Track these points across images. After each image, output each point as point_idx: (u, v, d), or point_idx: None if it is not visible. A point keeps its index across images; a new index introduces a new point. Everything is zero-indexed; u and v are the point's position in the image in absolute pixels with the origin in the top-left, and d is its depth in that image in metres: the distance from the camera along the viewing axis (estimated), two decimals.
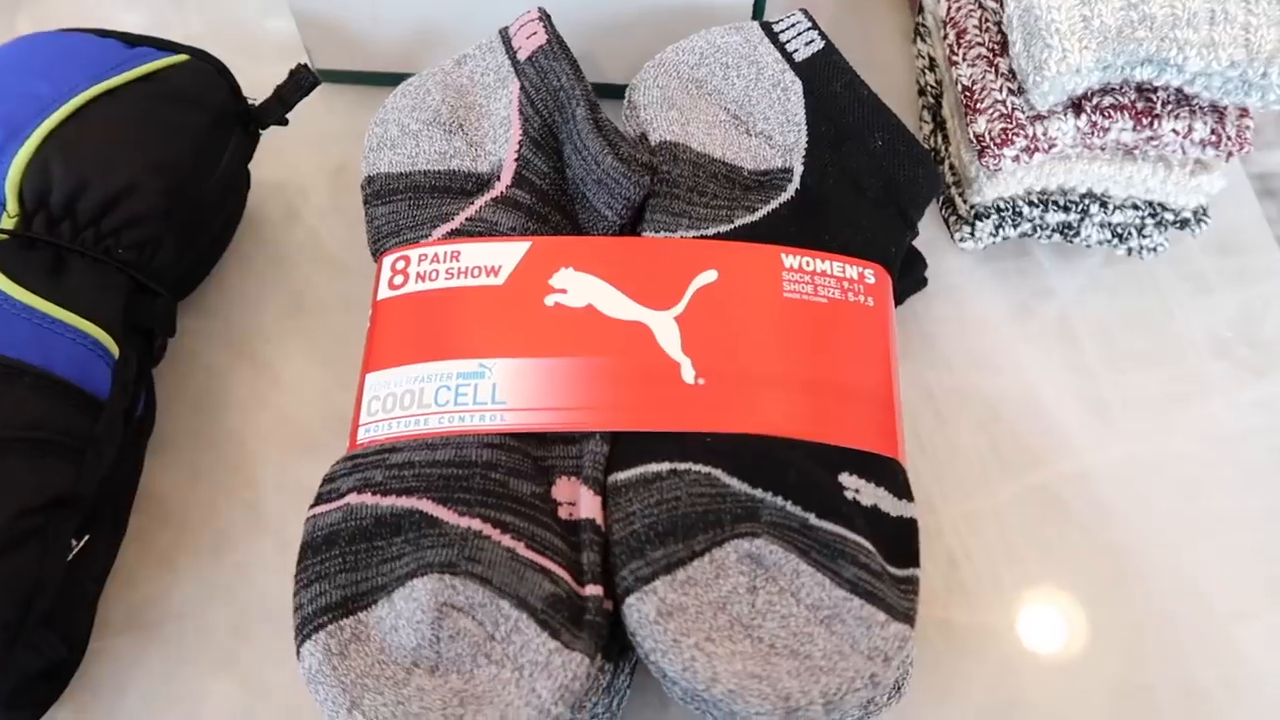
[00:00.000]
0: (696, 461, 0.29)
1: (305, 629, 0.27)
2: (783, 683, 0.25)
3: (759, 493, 0.28)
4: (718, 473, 0.29)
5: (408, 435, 0.30)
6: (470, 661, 0.26)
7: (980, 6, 0.38)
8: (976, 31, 0.37)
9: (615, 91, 0.39)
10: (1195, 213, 0.39)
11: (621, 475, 0.29)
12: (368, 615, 0.27)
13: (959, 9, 0.38)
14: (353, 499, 0.29)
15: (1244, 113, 0.36)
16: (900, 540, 0.29)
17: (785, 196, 0.34)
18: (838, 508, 0.29)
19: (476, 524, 0.27)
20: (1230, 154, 0.36)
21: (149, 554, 0.34)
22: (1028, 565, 0.35)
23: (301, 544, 0.29)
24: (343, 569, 0.27)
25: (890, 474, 0.30)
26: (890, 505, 0.30)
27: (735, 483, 0.29)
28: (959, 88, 0.37)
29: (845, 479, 0.29)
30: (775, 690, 0.25)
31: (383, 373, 0.31)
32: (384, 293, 0.32)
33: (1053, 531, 0.35)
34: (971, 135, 0.36)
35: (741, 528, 0.28)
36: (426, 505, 0.28)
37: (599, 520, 0.29)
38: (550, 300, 0.31)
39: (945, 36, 0.39)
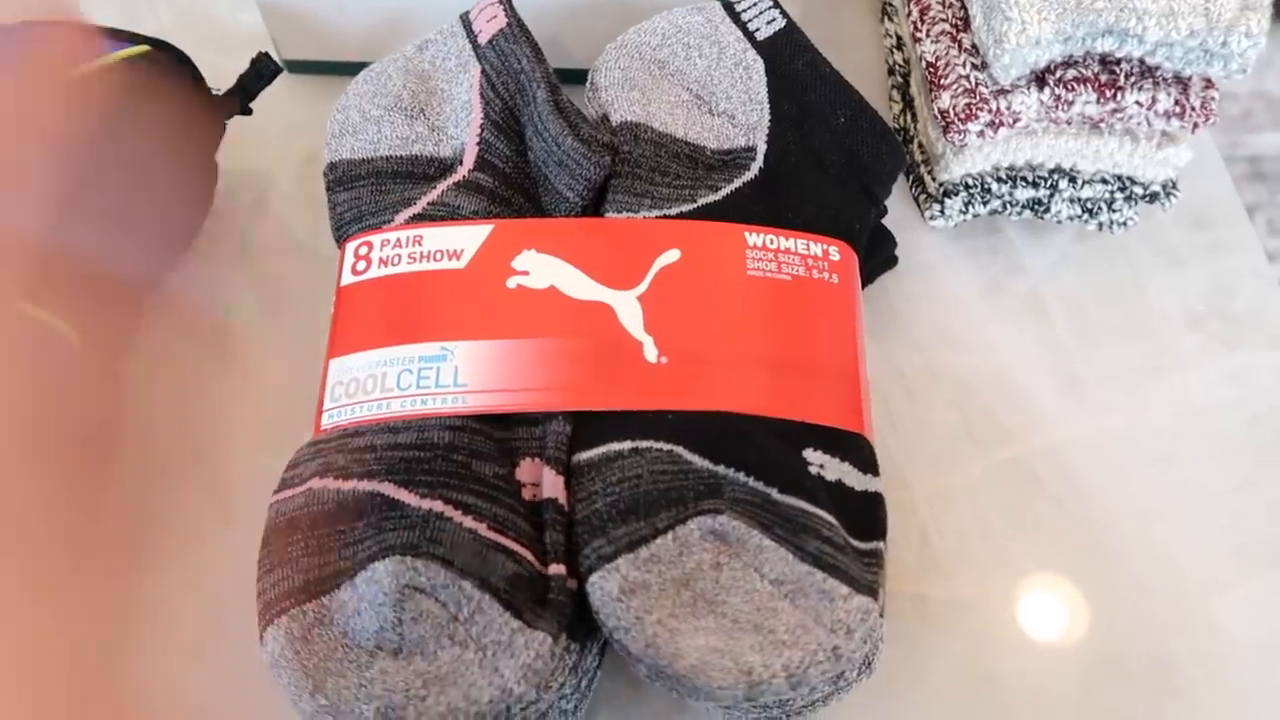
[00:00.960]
0: (658, 439, 0.29)
1: (268, 614, 0.27)
2: (745, 657, 0.25)
3: (721, 469, 0.28)
4: (680, 450, 0.29)
5: (370, 420, 0.30)
6: (434, 643, 0.26)
7: None
8: (940, 7, 0.37)
9: (579, 76, 0.39)
10: (1164, 186, 0.39)
11: (584, 455, 0.29)
12: (330, 599, 0.27)
13: None
14: (314, 483, 0.28)
15: (1208, 84, 0.36)
16: (864, 514, 0.29)
17: (749, 175, 0.34)
18: (800, 482, 0.29)
19: (438, 506, 0.27)
20: (1196, 125, 0.36)
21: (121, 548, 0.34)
22: (1000, 540, 0.35)
23: (265, 530, 0.29)
24: (305, 553, 0.27)
25: (855, 449, 0.30)
26: (855, 480, 0.30)
27: (697, 459, 0.29)
28: (924, 64, 0.37)
29: (809, 454, 0.29)
30: (738, 665, 0.25)
31: (346, 358, 0.31)
32: (347, 278, 0.32)
33: (1025, 506, 0.35)
34: (936, 111, 0.36)
35: (705, 504, 0.27)
36: (388, 488, 0.28)
37: (562, 500, 0.28)
38: (513, 282, 0.31)
39: (910, 14, 0.39)
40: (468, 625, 0.26)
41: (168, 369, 0.38)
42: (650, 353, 0.30)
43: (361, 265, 0.32)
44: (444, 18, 0.38)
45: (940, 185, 0.39)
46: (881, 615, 0.29)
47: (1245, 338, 0.39)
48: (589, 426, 0.29)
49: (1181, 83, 0.35)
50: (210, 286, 0.39)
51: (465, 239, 0.31)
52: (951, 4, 0.37)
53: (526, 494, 0.29)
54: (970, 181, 0.39)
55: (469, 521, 0.27)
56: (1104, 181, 0.39)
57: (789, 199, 0.33)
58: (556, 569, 0.27)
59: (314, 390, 0.36)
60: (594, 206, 0.33)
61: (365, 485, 0.28)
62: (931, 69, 0.37)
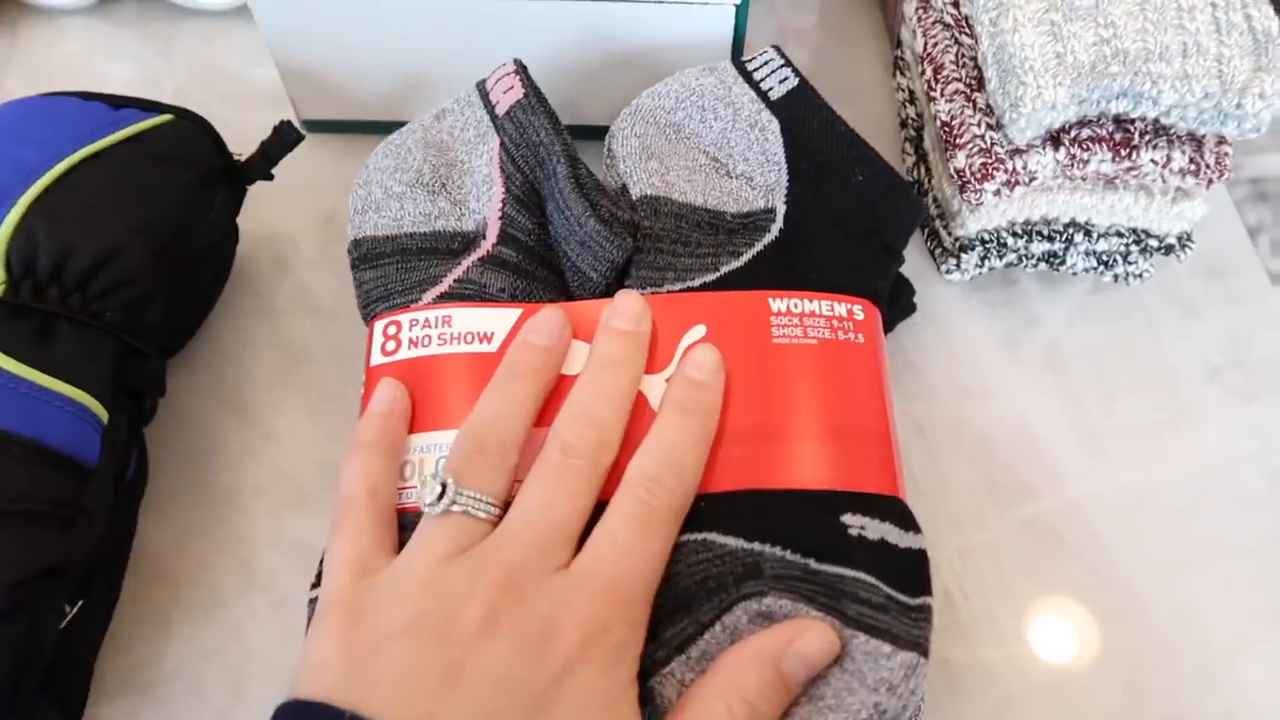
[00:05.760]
0: (691, 531, 0.29)
1: None
2: None
3: (757, 545, 0.28)
4: (712, 536, 0.28)
5: (411, 507, 0.30)
6: None
7: (956, 42, 0.38)
8: (953, 67, 0.37)
9: (596, 133, 0.39)
10: (1179, 238, 0.39)
11: None
12: None
13: (935, 45, 0.38)
14: None
15: (1222, 140, 0.36)
16: (909, 570, 0.29)
17: (769, 238, 0.34)
18: (836, 548, 0.28)
19: None
20: (1210, 181, 0.36)
21: (143, 614, 0.34)
22: (1023, 600, 0.35)
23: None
24: None
25: (892, 510, 0.30)
26: (897, 537, 0.29)
27: (731, 540, 0.28)
28: (938, 123, 0.37)
29: (848, 519, 0.29)
30: None
31: None
32: (377, 359, 0.32)
33: (1047, 565, 0.35)
34: (952, 170, 0.37)
35: (746, 588, 0.27)
36: None
37: None
38: None
39: (923, 72, 0.39)
40: None
41: (190, 432, 0.38)
42: None
43: (391, 345, 0.32)
44: (459, 77, 0.38)
45: (956, 240, 0.39)
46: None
47: (1264, 389, 0.39)
48: None
49: (1196, 140, 0.35)
50: (232, 347, 0.40)
51: (495, 322, 0.31)
52: (965, 64, 0.37)
53: None
54: (986, 236, 0.39)
55: None
56: (1119, 235, 0.39)
57: (811, 259, 0.33)
58: None
59: (335, 452, 0.36)
60: (618, 280, 0.33)
61: None
62: (946, 128, 0.37)
